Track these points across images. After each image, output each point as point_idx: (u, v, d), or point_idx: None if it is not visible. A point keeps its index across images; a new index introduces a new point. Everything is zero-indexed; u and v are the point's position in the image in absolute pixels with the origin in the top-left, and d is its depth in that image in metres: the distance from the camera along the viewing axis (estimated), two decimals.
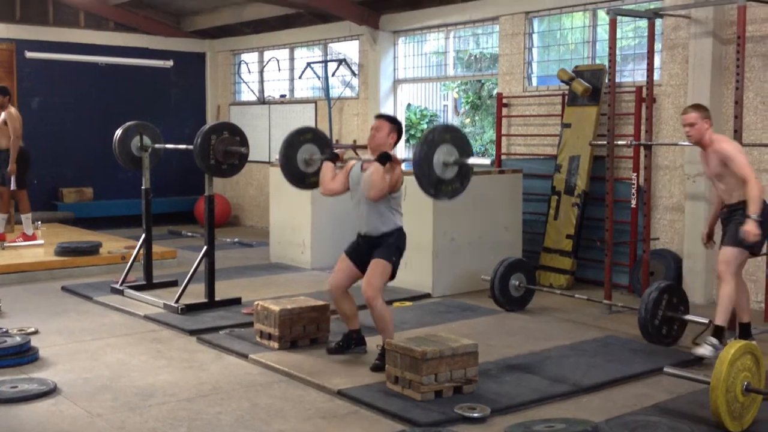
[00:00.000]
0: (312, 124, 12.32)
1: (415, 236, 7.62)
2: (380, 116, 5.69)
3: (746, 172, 5.53)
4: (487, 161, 5.18)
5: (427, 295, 7.86)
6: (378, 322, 5.44)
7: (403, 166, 5.56)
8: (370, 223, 5.50)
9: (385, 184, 5.32)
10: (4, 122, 9.63)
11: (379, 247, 5.47)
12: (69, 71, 12.63)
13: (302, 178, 6.08)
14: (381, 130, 5.53)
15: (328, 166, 5.77)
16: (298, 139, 5.98)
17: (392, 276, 5.52)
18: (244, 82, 13.74)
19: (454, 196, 5.11)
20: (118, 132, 7.98)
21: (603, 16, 8.68)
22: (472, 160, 5.00)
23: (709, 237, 6.22)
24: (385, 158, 5.32)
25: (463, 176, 5.02)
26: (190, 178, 12.94)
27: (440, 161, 4.90)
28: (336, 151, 5.91)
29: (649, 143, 7.60)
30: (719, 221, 6.04)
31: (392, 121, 5.63)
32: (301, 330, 5.99)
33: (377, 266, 5.40)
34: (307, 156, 5.98)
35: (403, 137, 11.74)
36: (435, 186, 4.95)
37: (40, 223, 11.33)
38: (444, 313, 7.19)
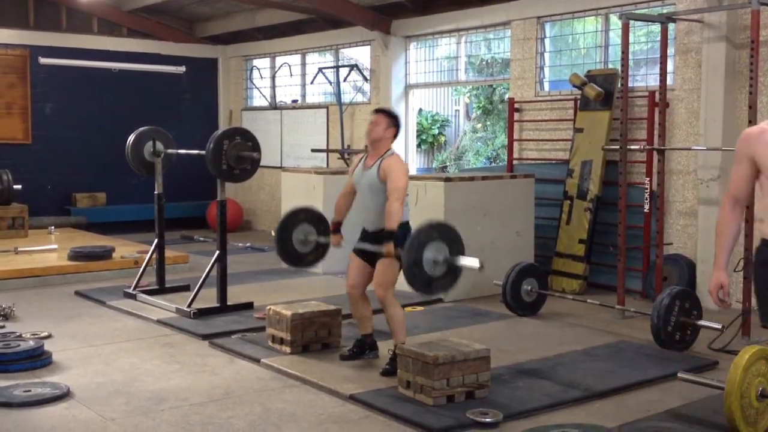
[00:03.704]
0: (323, 132, 12.35)
1: None
2: (378, 110, 5.70)
3: None
4: (476, 264, 4.94)
5: (439, 300, 7.84)
6: (390, 321, 5.45)
7: (408, 171, 5.53)
8: (375, 219, 5.48)
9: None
10: None
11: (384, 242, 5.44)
12: (82, 77, 12.71)
13: (299, 259, 5.99)
14: (379, 124, 5.54)
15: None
16: (291, 221, 5.92)
17: (401, 267, 5.51)
18: (256, 87, 13.78)
19: (449, 289, 5.16)
20: (131, 137, 8.02)
21: (615, 21, 8.66)
22: (461, 262, 4.97)
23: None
24: (391, 238, 5.24)
25: (454, 272, 5.02)
26: (203, 183, 12.96)
27: (430, 260, 4.90)
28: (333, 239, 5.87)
29: (662, 148, 7.57)
30: None
31: (390, 115, 5.64)
32: (313, 334, 5.99)
33: (384, 264, 5.41)
34: (302, 236, 5.92)
35: (414, 142, 11.83)
36: (427, 285, 4.97)
37: (53, 227, 11.41)
38: (456, 318, 7.17)
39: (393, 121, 5.60)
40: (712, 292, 3.96)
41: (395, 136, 5.61)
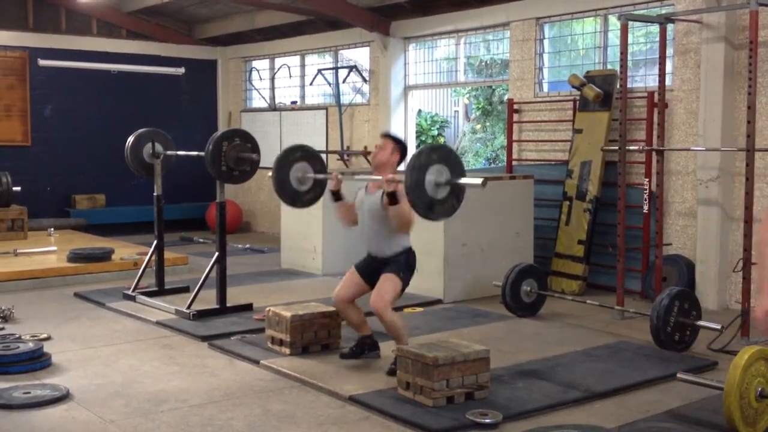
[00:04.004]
0: (323, 133, 12.36)
1: (426, 242, 7.63)
2: (385, 135, 5.74)
3: None
4: (478, 181, 4.89)
5: (439, 301, 7.85)
6: (389, 330, 5.46)
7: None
8: (378, 246, 5.54)
9: (412, 216, 5.20)
10: None
11: (389, 265, 5.49)
12: (81, 79, 12.71)
13: (297, 197, 6.00)
14: (385, 149, 5.57)
15: (341, 207, 5.76)
16: (287, 159, 5.90)
17: (401, 292, 5.54)
18: (255, 89, 13.78)
19: (451, 214, 5.05)
20: (130, 139, 8.01)
21: (614, 22, 8.67)
22: (463, 181, 4.91)
23: None
24: (393, 196, 5.20)
25: (456, 194, 4.96)
26: (202, 185, 12.97)
27: (432, 182, 4.84)
28: (329, 183, 5.81)
29: (662, 148, 7.58)
30: None
31: (396, 141, 5.66)
32: (313, 336, 5.99)
33: (388, 280, 5.41)
34: (300, 174, 5.93)
35: (414, 143, 11.82)
36: (430, 207, 4.90)
37: (52, 229, 11.41)
38: (455, 319, 7.17)
39: (399, 146, 5.61)
40: (760, 320, 3.31)
41: (400, 161, 5.61)
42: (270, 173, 5.90)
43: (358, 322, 5.71)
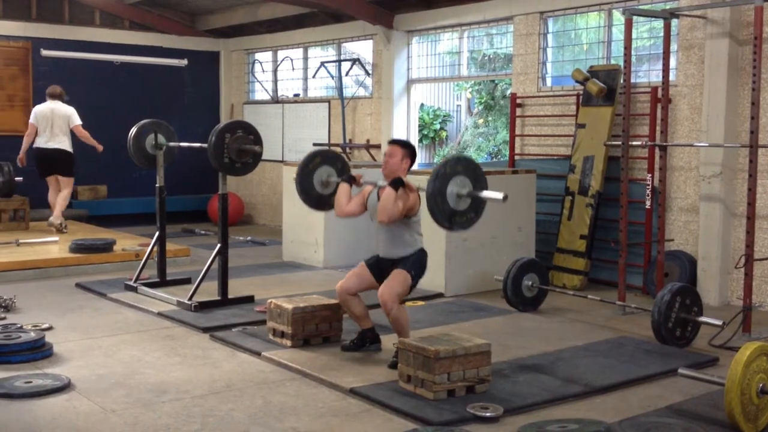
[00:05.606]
0: (325, 126, 12.35)
1: (428, 236, 7.60)
2: (393, 142, 5.68)
3: None
4: (499, 196, 4.89)
5: (440, 295, 7.85)
6: (394, 324, 5.46)
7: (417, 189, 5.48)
8: (388, 249, 5.54)
9: (397, 209, 5.26)
10: None
11: (399, 263, 5.49)
12: (84, 69, 12.69)
13: (324, 202, 6.04)
14: (394, 156, 5.52)
15: (343, 189, 5.75)
16: (308, 168, 5.93)
17: (410, 290, 5.55)
18: (257, 81, 13.77)
19: (469, 226, 5.09)
20: (133, 130, 8.01)
21: (618, 16, 8.65)
22: (485, 194, 4.94)
23: None
24: (398, 183, 5.29)
25: (477, 206, 4.99)
26: (204, 177, 12.96)
27: (453, 193, 4.87)
28: (353, 173, 5.88)
29: (665, 144, 7.56)
30: None
31: (405, 146, 5.62)
32: (314, 328, 6.00)
33: (399, 275, 5.42)
34: (324, 178, 5.97)
35: (416, 137, 11.81)
36: (449, 218, 4.93)
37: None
38: (457, 313, 7.18)
39: (408, 151, 5.58)
40: None
41: (410, 167, 5.60)
42: (294, 184, 5.93)
43: (360, 314, 5.72)
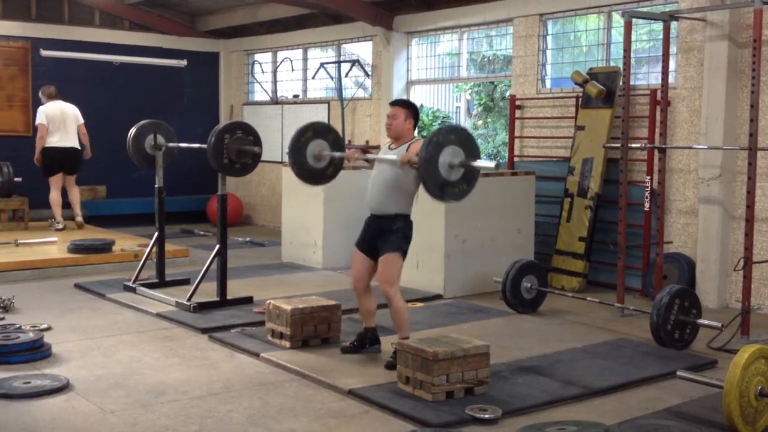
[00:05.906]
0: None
1: (427, 238, 7.64)
2: (394, 103, 5.66)
3: None
4: (491, 164, 4.93)
5: (439, 296, 7.85)
6: (395, 315, 5.46)
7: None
8: (382, 200, 5.46)
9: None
10: None
11: (385, 233, 5.44)
12: (84, 70, 12.68)
13: (319, 175, 5.96)
14: (397, 117, 5.49)
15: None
16: (300, 141, 5.86)
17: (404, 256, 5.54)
18: (257, 82, 13.77)
19: (461, 198, 5.03)
20: (132, 130, 8.01)
21: (618, 19, 8.66)
22: (477, 163, 4.91)
23: None
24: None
25: (469, 178, 4.94)
26: (203, 177, 12.95)
27: (445, 163, 4.83)
28: (346, 151, 5.89)
29: (664, 146, 7.57)
30: None
31: (407, 105, 5.60)
32: (313, 329, 6.00)
33: (388, 261, 5.41)
34: (316, 151, 5.89)
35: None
36: (441, 188, 4.89)
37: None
38: (455, 315, 7.18)
39: (411, 111, 5.55)
40: None
41: (415, 125, 5.57)
42: (288, 159, 5.88)
43: (371, 310, 5.73)
